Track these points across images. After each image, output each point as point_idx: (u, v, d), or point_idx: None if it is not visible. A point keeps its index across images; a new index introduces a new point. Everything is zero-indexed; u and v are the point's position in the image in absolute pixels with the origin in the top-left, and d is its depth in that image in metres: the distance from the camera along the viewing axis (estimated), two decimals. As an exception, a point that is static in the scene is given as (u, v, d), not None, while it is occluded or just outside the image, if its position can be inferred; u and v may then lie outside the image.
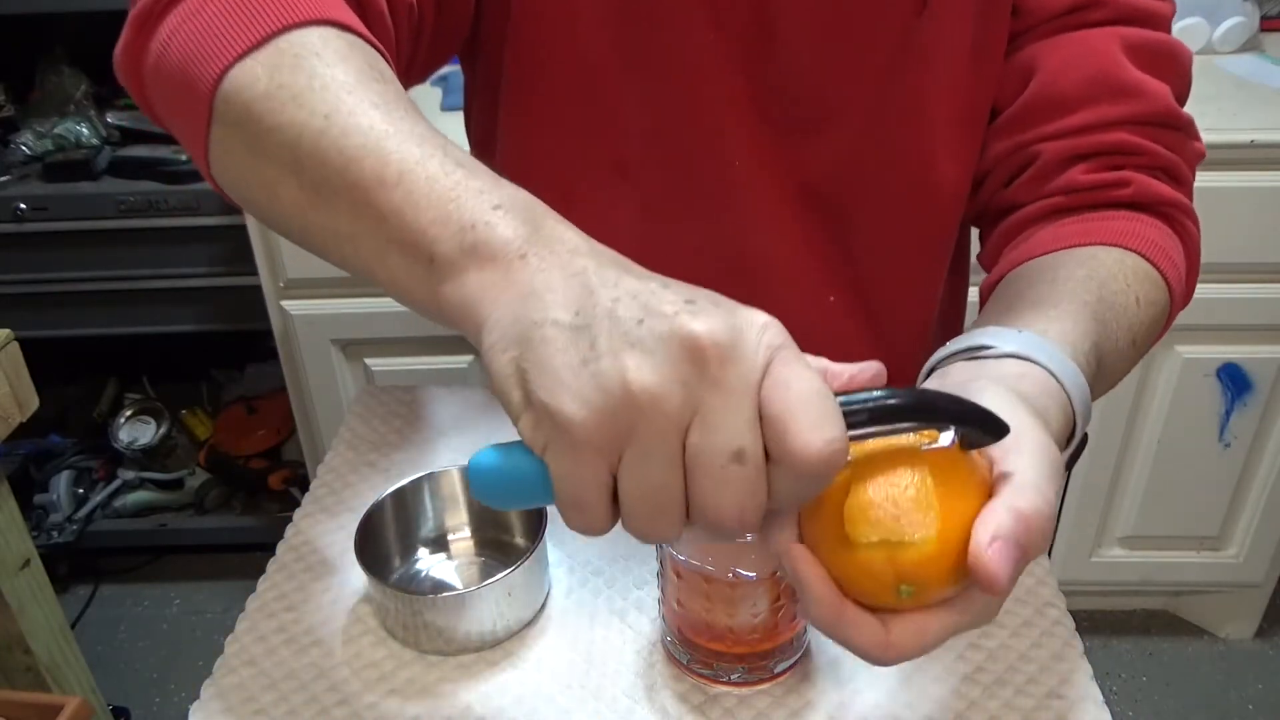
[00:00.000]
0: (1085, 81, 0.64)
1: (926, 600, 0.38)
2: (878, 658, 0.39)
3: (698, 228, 0.73)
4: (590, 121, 0.70)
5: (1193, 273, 0.65)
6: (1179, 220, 0.64)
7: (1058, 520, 1.51)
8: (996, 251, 0.69)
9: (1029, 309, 0.53)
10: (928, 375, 0.52)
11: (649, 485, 0.33)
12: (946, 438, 0.39)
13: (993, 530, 0.36)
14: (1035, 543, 0.37)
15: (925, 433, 0.39)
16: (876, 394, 0.36)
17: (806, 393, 0.33)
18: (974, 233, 0.78)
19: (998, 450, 0.40)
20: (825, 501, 0.38)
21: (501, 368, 0.34)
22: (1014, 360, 0.48)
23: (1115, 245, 0.60)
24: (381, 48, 0.46)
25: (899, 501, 0.37)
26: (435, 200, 0.37)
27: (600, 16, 0.65)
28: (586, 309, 0.33)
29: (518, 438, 0.35)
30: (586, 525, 0.35)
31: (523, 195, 0.38)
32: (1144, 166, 0.64)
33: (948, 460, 0.39)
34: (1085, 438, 0.51)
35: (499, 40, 0.68)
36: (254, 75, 0.42)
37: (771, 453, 0.33)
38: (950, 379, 0.48)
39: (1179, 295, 0.62)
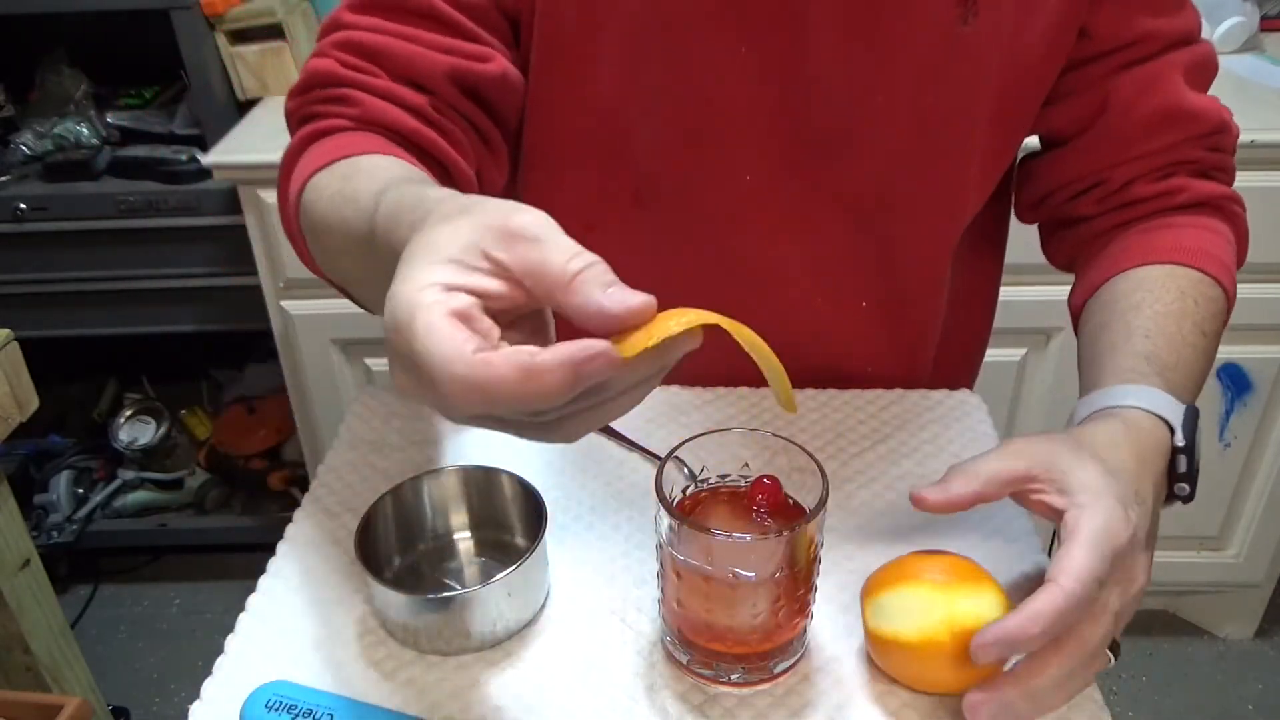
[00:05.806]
0: (1151, 114, 0.71)
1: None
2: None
3: (718, 246, 0.75)
4: (607, 160, 0.73)
5: (1242, 247, 0.76)
6: (1228, 209, 0.75)
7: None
8: (1068, 255, 0.80)
9: (1097, 371, 0.64)
10: None
11: None
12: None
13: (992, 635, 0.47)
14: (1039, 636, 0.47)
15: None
16: None
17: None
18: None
19: (1063, 532, 0.49)
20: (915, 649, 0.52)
21: None
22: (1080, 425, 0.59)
23: (1165, 263, 0.69)
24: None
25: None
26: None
27: (619, 56, 0.68)
28: None
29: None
30: None
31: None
32: (1195, 171, 0.74)
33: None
34: (1195, 411, 0.60)
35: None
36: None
37: None
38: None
39: (1231, 286, 0.71)
